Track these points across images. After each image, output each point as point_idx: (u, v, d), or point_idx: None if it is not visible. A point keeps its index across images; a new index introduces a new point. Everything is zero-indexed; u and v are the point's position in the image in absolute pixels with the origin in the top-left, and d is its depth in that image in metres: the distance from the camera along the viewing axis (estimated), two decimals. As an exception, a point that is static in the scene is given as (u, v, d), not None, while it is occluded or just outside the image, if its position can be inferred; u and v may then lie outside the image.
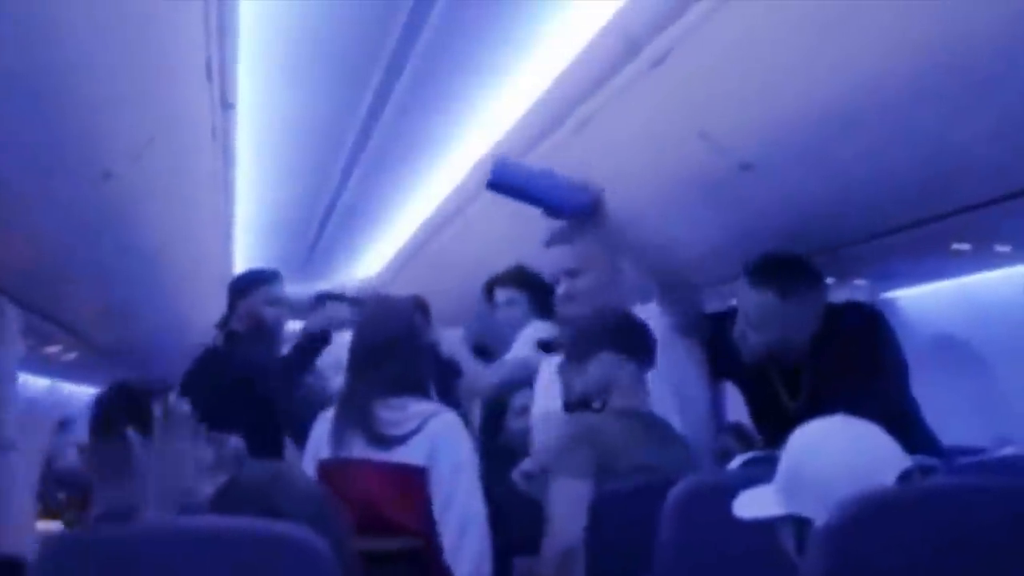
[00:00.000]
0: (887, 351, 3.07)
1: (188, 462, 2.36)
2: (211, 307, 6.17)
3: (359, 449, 3.02)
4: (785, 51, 2.53)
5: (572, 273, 3.52)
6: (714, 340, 3.33)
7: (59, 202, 3.01)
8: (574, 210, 3.34)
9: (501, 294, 4.32)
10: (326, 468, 3.04)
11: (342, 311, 4.74)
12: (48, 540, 1.87)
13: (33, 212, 3.00)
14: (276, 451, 3.96)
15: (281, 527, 1.83)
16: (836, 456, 1.94)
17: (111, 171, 2.96)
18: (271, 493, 1.99)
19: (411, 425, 3.01)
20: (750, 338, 3.10)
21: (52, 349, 5.02)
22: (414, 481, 2.98)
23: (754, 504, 2.07)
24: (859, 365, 2.99)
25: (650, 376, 3.14)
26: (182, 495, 2.24)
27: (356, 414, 3.05)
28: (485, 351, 4.69)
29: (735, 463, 2.64)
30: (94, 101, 2.57)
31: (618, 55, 3.15)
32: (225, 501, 2.07)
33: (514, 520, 3.28)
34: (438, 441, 3.01)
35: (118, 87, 2.63)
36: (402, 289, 4.86)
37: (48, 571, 1.81)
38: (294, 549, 1.79)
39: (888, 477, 1.91)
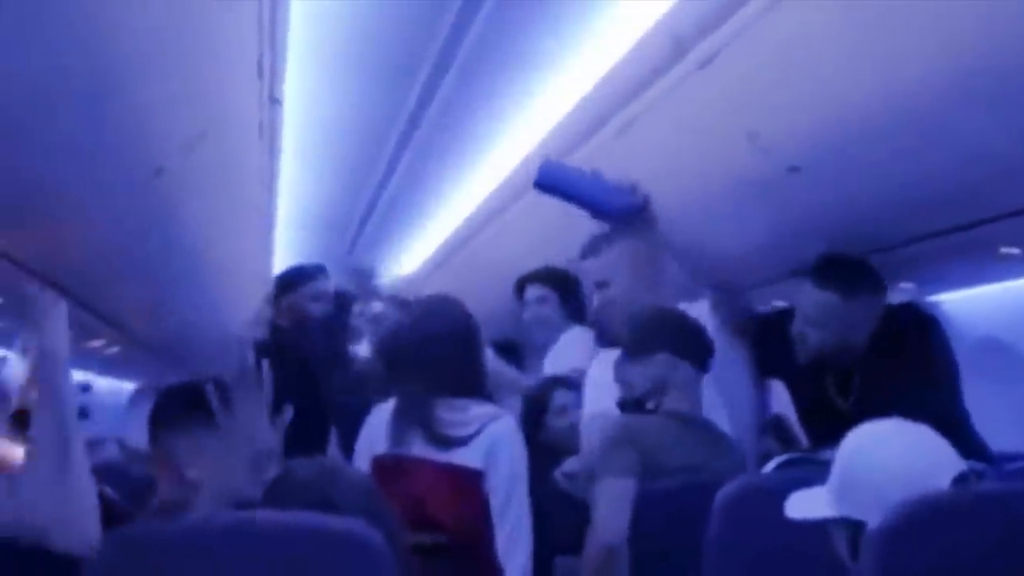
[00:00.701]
0: (940, 354, 3.07)
1: (243, 460, 2.38)
2: (251, 302, 6.21)
3: (418, 448, 3.00)
4: (833, 53, 2.52)
5: (601, 285, 3.53)
6: (763, 340, 3.33)
7: (113, 198, 3.04)
8: (621, 213, 3.34)
9: (532, 291, 4.32)
10: (382, 463, 3.00)
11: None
12: (108, 534, 1.90)
13: (88, 209, 3.03)
14: (321, 445, 3.97)
15: (340, 522, 1.84)
16: (891, 459, 1.95)
17: (163, 167, 2.99)
18: (324, 486, 2.00)
19: (472, 428, 2.99)
20: (809, 337, 3.11)
21: (96, 343, 5.06)
22: (471, 483, 2.97)
23: (806, 505, 2.07)
24: (912, 367, 2.99)
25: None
26: (232, 493, 2.26)
27: (416, 413, 3.02)
28: (513, 349, 4.69)
29: (771, 464, 2.65)
30: (150, 99, 2.59)
31: (665, 56, 3.15)
32: (277, 495, 2.08)
33: (556, 519, 3.28)
34: (498, 445, 3.00)
35: (173, 85, 2.65)
36: (436, 288, 4.86)
37: (108, 563, 1.83)
38: (352, 544, 1.80)
39: (943, 481, 1.91)
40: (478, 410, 3.05)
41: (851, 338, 3.09)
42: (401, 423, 3.04)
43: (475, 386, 3.13)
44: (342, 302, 4.46)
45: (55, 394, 2.33)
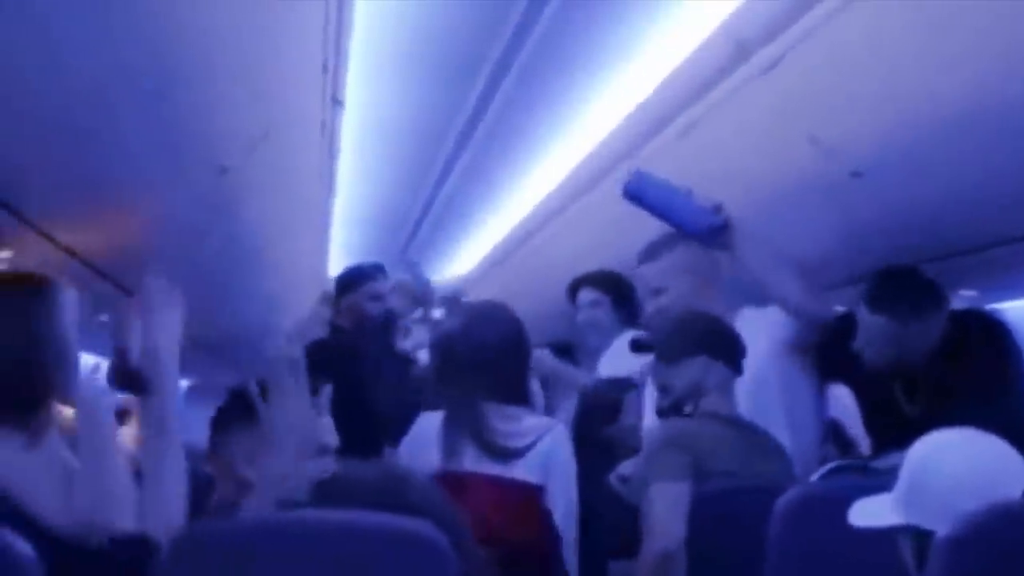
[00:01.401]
0: (1011, 360, 3.04)
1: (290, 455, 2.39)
2: (306, 300, 6.24)
3: (472, 459, 2.94)
4: (897, 57, 2.51)
5: (656, 292, 3.52)
6: (827, 345, 3.31)
7: (179, 197, 3.07)
8: (702, 232, 3.32)
9: (585, 295, 4.31)
10: (438, 481, 2.77)
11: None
12: (178, 530, 1.91)
13: (154, 208, 3.06)
14: (376, 448, 3.97)
15: (411, 523, 1.82)
16: (961, 467, 1.93)
17: (228, 166, 3.01)
18: (393, 489, 1.97)
19: (528, 439, 2.95)
20: (865, 353, 3.09)
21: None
22: (530, 498, 2.92)
23: (871, 514, 2.06)
24: (982, 375, 2.96)
25: (760, 387, 3.14)
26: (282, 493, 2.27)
27: (468, 421, 2.96)
28: (568, 351, 4.69)
29: (819, 472, 2.64)
30: (216, 99, 2.62)
31: (728, 59, 3.13)
32: (332, 495, 2.06)
33: (609, 522, 3.27)
34: (555, 458, 2.97)
35: (239, 85, 2.68)
36: (492, 288, 4.87)
37: (179, 558, 1.85)
38: (423, 547, 1.79)
39: (1014, 490, 1.89)
40: (531, 421, 3.03)
41: (907, 357, 3.06)
42: (452, 433, 2.97)
43: (524, 394, 3.12)
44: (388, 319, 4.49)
45: (157, 403, 2.34)
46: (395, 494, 1.92)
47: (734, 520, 2.67)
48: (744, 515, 2.57)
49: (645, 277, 3.59)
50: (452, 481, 2.82)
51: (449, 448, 2.95)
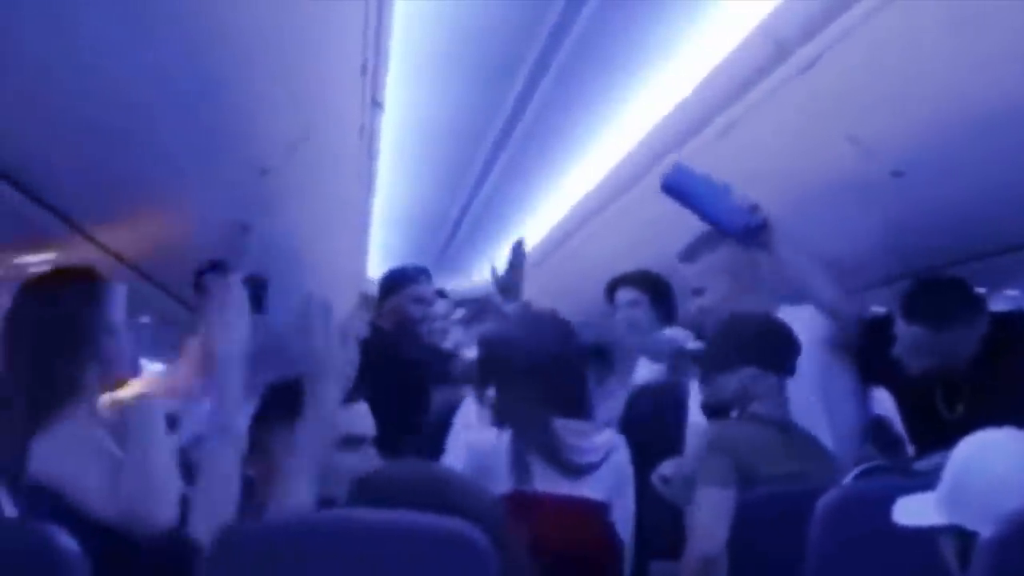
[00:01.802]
0: None
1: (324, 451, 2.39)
2: (342, 300, 6.25)
3: (541, 479, 2.88)
4: (937, 56, 2.49)
5: (697, 292, 3.51)
6: (868, 347, 3.29)
7: (220, 199, 3.09)
8: (737, 231, 3.30)
9: (623, 294, 4.29)
10: (511, 501, 2.63)
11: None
12: (224, 529, 1.92)
13: (196, 210, 3.08)
14: (415, 448, 3.97)
15: (452, 523, 1.82)
16: (1004, 468, 1.92)
17: (268, 168, 3.03)
18: (436, 490, 1.95)
19: (598, 455, 2.93)
20: (907, 363, 3.09)
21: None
22: (598, 514, 2.91)
23: (914, 513, 2.04)
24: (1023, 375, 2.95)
25: (798, 386, 3.12)
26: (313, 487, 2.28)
27: (540, 439, 2.90)
28: (602, 353, 4.68)
29: (851, 474, 2.62)
30: (258, 101, 2.63)
31: (767, 59, 3.13)
32: (373, 494, 2.05)
33: (652, 521, 3.26)
34: (622, 475, 2.97)
35: (279, 88, 2.69)
36: (528, 290, 4.83)
37: (222, 557, 1.86)
38: (464, 547, 1.78)
39: (1060, 492, 1.87)
40: (598, 436, 2.99)
41: (948, 363, 3.05)
42: (522, 452, 2.89)
43: (585, 406, 3.07)
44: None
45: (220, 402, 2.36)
46: (437, 495, 1.91)
47: (778, 524, 2.65)
48: (788, 519, 2.55)
49: (686, 277, 3.58)
50: (521, 501, 2.79)
51: (520, 467, 2.89)
